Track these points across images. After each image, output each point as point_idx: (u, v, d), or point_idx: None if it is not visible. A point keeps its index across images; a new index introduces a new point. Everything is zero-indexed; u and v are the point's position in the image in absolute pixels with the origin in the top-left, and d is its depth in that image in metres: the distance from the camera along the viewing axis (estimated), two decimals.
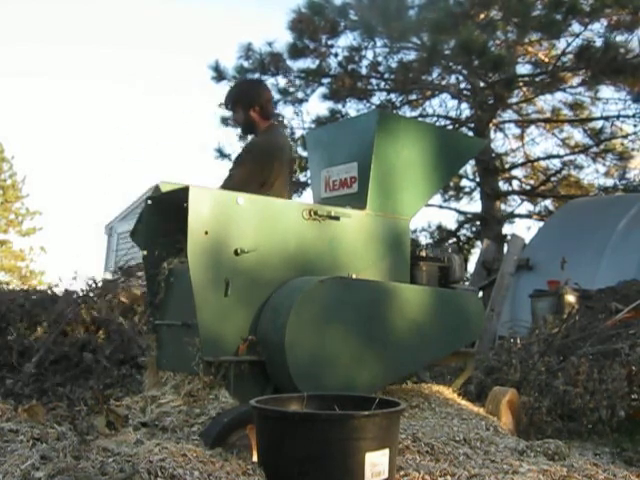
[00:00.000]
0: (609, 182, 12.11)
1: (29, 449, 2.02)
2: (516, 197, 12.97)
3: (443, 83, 11.62)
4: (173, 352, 2.92)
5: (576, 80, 10.96)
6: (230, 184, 3.31)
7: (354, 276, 2.97)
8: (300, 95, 11.91)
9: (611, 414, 3.53)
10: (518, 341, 4.89)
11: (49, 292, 5.21)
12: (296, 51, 11.26)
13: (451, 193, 13.19)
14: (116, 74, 42.21)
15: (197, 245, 2.62)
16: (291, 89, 11.59)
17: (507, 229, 15.42)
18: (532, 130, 12.65)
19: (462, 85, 11.60)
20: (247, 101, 3.64)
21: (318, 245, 2.99)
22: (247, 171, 3.39)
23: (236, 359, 2.67)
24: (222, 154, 11.97)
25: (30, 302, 4.73)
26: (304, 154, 11.09)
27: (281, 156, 3.51)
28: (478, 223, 12.93)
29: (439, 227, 13.57)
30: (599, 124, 11.40)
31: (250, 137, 3.82)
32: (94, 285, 5.10)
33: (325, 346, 2.72)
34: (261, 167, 3.40)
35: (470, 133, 11.26)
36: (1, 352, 4.15)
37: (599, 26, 10.01)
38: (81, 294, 4.88)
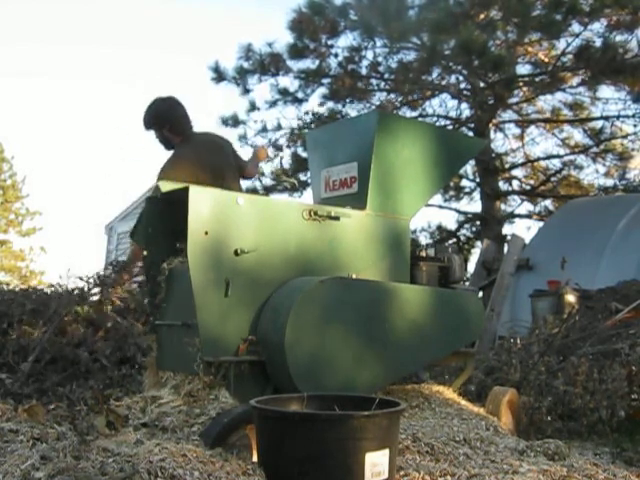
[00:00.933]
0: (609, 182, 12.12)
1: (29, 449, 2.02)
2: (516, 197, 12.98)
3: (443, 83, 11.62)
4: (173, 352, 2.92)
5: (576, 80, 10.96)
6: None
7: (354, 276, 2.97)
8: (300, 95, 11.92)
9: (611, 414, 3.53)
10: (518, 341, 4.89)
11: (47, 291, 5.18)
12: (296, 51, 11.25)
13: (451, 193, 13.20)
14: (116, 74, 42.27)
15: (197, 245, 2.62)
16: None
17: (507, 229, 15.46)
18: (532, 130, 12.67)
19: (462, 85, 11.60)
20: (159, 122, 3.96)
21: (318, 245, 2.99)
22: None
23: (236, 359, 2.67)
24: None
25: (30, 301, 4.71)
26: (304, 154, 11.11)
27: (185, 165, 3.77)
28: (478, 223, 12.93)
29: (439, 227, 13.58)
30: (599, 124, 11.41)
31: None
32: (89, 281, 5.05)
33: (325, 346, 2.72)
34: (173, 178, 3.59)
35: (470, 133, 11.26)
36: (1, 352, 4.14)
37: (599, 26, 10.02)
38: (76, 291, 4.84)
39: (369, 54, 11.52)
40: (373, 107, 11.83)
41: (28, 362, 3.86)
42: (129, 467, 1.81)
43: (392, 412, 1.97)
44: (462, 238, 13.77)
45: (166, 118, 3.95)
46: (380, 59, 11.66)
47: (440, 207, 12.90)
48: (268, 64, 11.42)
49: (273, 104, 11.98)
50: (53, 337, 4.13)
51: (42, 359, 3.95)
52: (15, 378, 3.75)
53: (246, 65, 11.50)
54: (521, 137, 12.76)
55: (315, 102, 11.81)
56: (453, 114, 12.02)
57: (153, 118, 3.99)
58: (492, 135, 12.23)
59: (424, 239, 13.32)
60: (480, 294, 8.47)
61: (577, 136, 12.41)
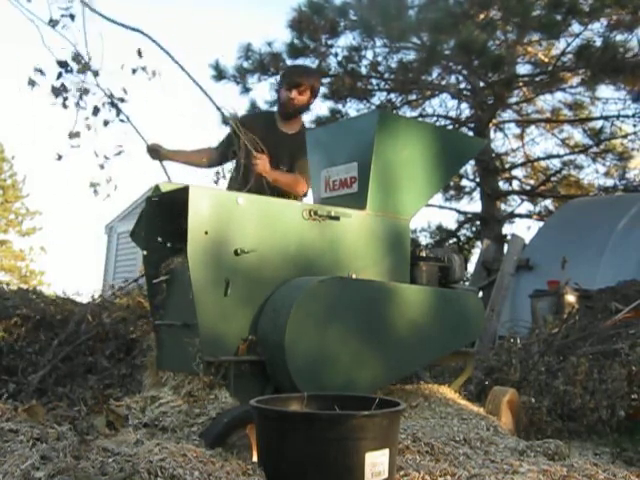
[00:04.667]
0: (609, 182, 12.13)
1: (29, 449, 2.01)
2: (516, 197, 12.98)
3: (443, 83, 11.62)
4: (173, 352, 2.92)
5: (576, 80, 10.97)
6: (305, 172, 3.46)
7: (354, 276, 2.97)
8: None
9: (611, 414, 3.53)
10: (518, 341, 4.89)
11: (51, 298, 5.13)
12: (296, 51, 11.25)
13: (451, 193, 13.19)
14: None
15: (197, 245, 2.61)
16: None
17: (507, 229, 15.44)
18: (532, 130, 12.68)
19: (462, 85, 11.60)
20: (316, 90, 3.67)
21: (318, 245, 2.99)
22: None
23: (236, 359, 2.67)
24: None
25: (36, 310, 4.65)
26: None
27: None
28: (478, 223, 12.93)
29: (439, 227, 13.58)
30: (599, 124, 11.42)
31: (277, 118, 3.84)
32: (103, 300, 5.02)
33: (325, 346, 2.72)
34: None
35: (470, 133, 11.26)
36: (7, 357, 4.12)
37: (599, 26, 10.04)
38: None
39: (369, 54, 11.53)
40: (373, 107, 11.83)
41: (37, 375, 3.83)
42: (129, 467, 1.81)
43: (392, 412, 1.97)
44: (462, 238, 13.77)
45: (318, 93, 3.64)
46: (380, 59, 11.67)
47: (440, 207, 12.92)
48: (268, 63, 11.42)
49: (273, 103, 11.98)
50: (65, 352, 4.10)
51: (51, 375, 3.92)
52: (19, 387, 3.73)
53: (246, 65, 11.50)
54: (521, 137, 12.77)
55: (315, 102, 11.76)
56: (453, 114, 12.04)
57: (318, 84, 3.67)
58: (492, 135, 12.24)
59: (424, 239, 13.34)
60: (480, 294, 8.47)
61: (577, 136, 12.43)
